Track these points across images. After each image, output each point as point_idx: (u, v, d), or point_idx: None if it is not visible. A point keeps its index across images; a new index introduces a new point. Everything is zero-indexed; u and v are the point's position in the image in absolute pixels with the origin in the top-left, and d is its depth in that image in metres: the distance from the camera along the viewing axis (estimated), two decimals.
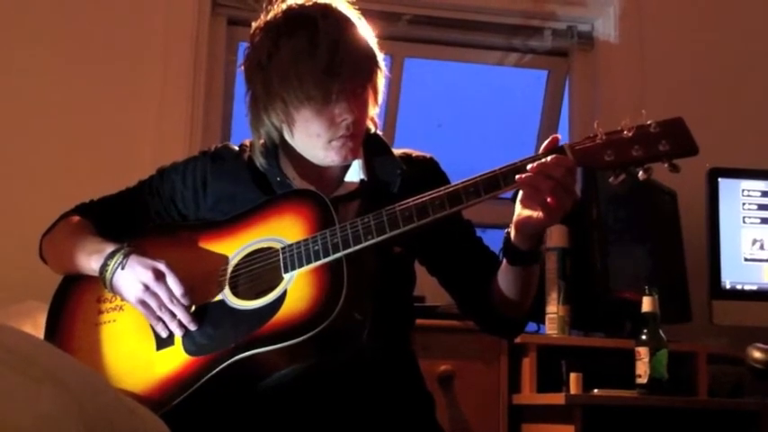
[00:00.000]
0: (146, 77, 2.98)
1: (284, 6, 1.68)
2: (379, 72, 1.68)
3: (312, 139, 1.66)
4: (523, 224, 1.54)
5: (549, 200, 1.48)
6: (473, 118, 3.82)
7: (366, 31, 1.67)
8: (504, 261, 1.63)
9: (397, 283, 1.72)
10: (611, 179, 1.51)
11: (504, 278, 1.66)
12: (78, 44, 2.97)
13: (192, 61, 3.01)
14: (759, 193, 2.99)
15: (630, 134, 1.48)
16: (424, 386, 1.74)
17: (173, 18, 3.02)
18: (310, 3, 1.66)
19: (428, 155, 1.83)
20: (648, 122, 1.48)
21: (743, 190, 2.98)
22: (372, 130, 1.77)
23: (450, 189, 1.53)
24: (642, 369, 2.44)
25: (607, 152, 1.48)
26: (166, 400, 1.52)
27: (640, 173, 1.48)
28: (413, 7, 3.21)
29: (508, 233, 1.58)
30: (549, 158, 1.48)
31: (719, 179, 2.96)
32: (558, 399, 2.44)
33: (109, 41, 2.99)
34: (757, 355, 2.48)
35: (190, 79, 3.00)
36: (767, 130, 3.27)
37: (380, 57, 1.69)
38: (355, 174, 1.73)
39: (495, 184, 1.51)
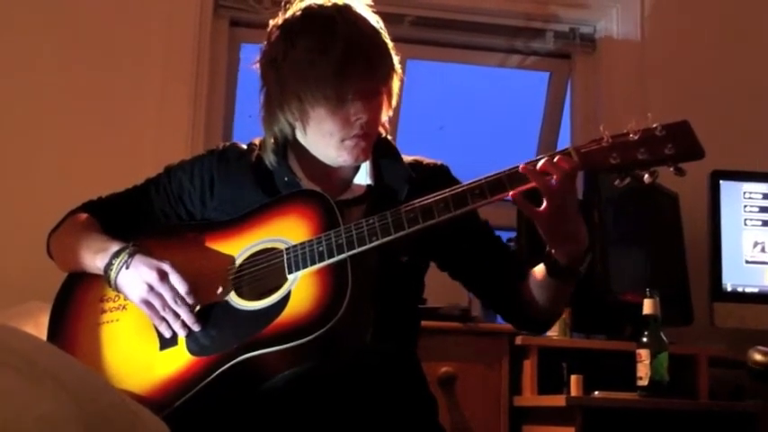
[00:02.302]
0: (148, 78, 2.99)
1: (302, 6, 1.68)
2: (394, 76, 1.68)
3: (325, 137, 1.66)
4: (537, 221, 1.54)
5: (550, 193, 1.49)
6: (475, 120, 3.81)
7: (384, 34, 1.67)
8: (542, 273, 1.62)
9: (401, 290, 1.71)
10: (616, 182, 1.51)
11: (540, 289, 1.66)
12: (80, 46, 2.97)
13: (194, 62, 3.01)
14: (761, 196, 2.99)
15: (636, 137, 1.48)
16: (428, 389, 1.74)
17: (175, 19, 3.02)
18: (329, 3, 1.66)
19: (439, 162, 1.82)
20: (654, 125, 1.48)
21: (744, 192, 2.98)
22: (383, 134, 1.77)
23: (455, 191, 1.53)
24: (643, 371, 2.44)
25: (612, 155, 1.48)
26: (169, 401, 1.51)
27: (646, 176, 1.48)
28: (415, 9, 3.21)
29: (549, 247, 1.58)
30: (555, 158, 1.49)
31: (721, 181, 2.97)
32: (558, 401, 2.44)
33: (111, 41, 2.99)
34: (758, 357, 2.47)
35: (192, 80, 3.00)
36: None
37: (396, 60, 1.69)
38: (364, 177, 1.73)
39: (501, 186, 1.51)
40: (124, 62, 2.99)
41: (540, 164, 1.49)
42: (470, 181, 1.54)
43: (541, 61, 3.40)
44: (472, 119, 3.80)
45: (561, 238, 1.55)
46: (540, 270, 1.63)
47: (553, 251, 1.57)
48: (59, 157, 2.90)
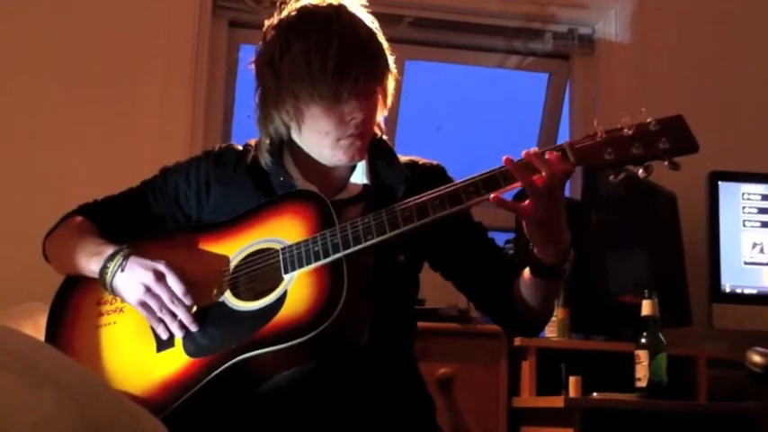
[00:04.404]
0: (147, 79, 2.99)
1: (298, 6, 1.68)
2: (389, 75, 1.68)
3: (320, 136, 1.65)
4: (523, 220, 1.53)
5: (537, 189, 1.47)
6: (473, 121, 3.81)
7: (379, 34, 1.67)
8: (528, 273, 1.62)
9: (398, 289, 1.71)
10: (611, 178, 1.50)
11: (528, 289, 1.65)
12: (80, 48, 2.98)
13: (193, 63, 3.01)
14: (759, 197, 2.99)
15: (630, 132, 1.48)
16: (425, 390, 1.74)
17: (174, 20, 3.02)
18: (325, 3, 1.66)
19: (435, 162, 1.82)
20: (648, 120, 1.48)
21: (743, 193, 2.98)
22: (379, 134, 1.77)
23: (450, 189, 1.53)
24: (642, 372, 2.44)
25: (607, 150, 1.48)
26: (167, 403, 1.51)
27: (640, 171, 1.48)
28: (414, 10, 3.22)
29: (532, 246, 1.58)
30: (546, 156, 1.48)
31: (719, 182, 2.96)
32: (557, 402, 2.43)
33: (110, 42, 2.99)
34: (757, 358, 2.48)
35: (191, 81, 3.00)
36: (767, 133, 3.27)
37: (391, 60, 1.69)
38: (360, 177, 1.73)
39: (495, 182, 1.50)
40: (123, 63, 2.99)
41: (534, 163, 1.48)
42: (465, 178, 1.54)
43: (540, 62, 3.40)
44: (470, 120, 3.80)
45: (545, 238, 1.54)
46: (527, 270, 1.63)
47: (536, 250, 1.57)
48: (59, 157, 2.90)
